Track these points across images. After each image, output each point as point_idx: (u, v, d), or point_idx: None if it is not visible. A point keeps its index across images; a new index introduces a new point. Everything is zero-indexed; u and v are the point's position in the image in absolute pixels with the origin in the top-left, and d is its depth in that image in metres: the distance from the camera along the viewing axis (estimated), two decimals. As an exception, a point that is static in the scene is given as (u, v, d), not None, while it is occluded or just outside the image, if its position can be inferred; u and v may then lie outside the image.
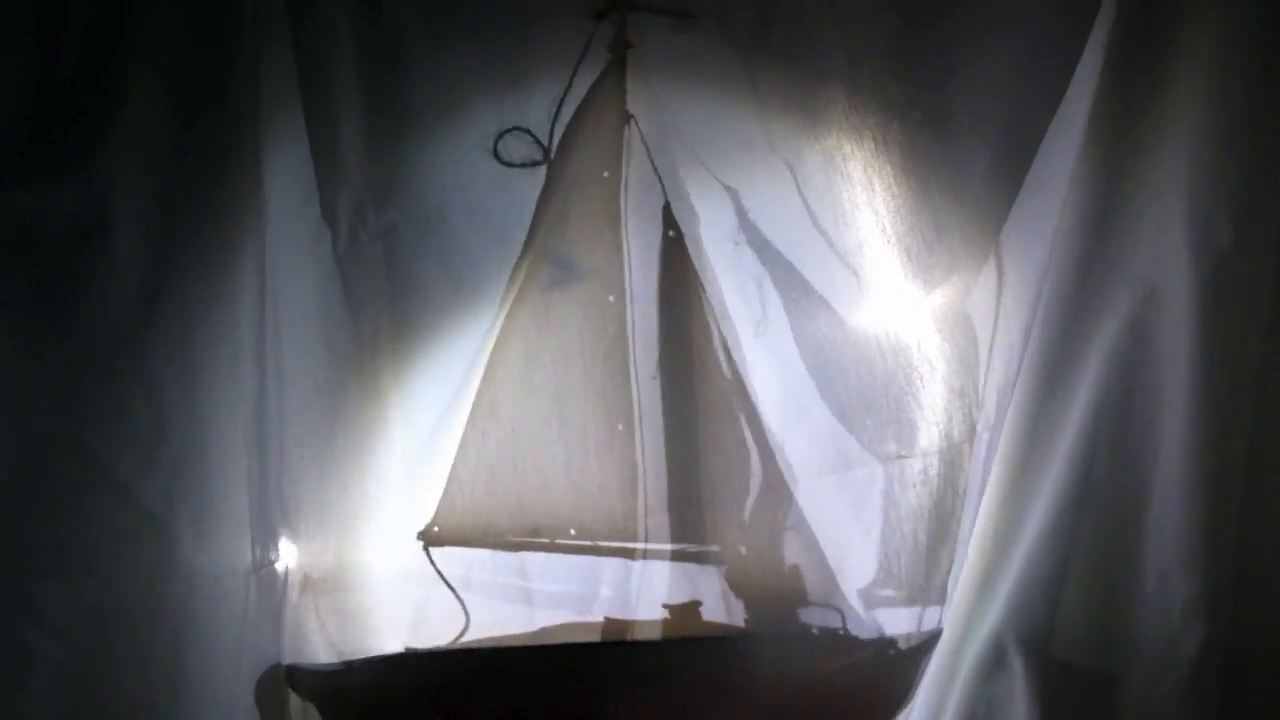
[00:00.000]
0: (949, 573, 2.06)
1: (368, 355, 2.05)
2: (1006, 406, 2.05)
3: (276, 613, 1.98)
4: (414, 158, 2.08)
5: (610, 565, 2.11)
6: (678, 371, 2.16)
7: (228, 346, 1.92)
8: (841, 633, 2.06)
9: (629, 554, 2.12)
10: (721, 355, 2.14)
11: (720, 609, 2.08)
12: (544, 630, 2.09)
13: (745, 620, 2.08)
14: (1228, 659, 1.89)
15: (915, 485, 2.06)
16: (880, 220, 2.07)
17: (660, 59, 2.15)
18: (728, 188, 2.15)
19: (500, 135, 2.10)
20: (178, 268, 1.90)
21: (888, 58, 2.05)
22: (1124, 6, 1.95)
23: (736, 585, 2.09)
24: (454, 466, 2.11)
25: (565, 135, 2.13)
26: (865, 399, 2.09)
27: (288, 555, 2.00)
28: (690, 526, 2.12)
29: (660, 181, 2.15)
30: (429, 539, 2.10)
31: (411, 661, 2.01)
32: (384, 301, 2.06)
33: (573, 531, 2.12)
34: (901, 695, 2.06)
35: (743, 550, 2.10)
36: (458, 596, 2.06)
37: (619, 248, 2.17)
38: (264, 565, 1.96)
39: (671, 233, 2.17)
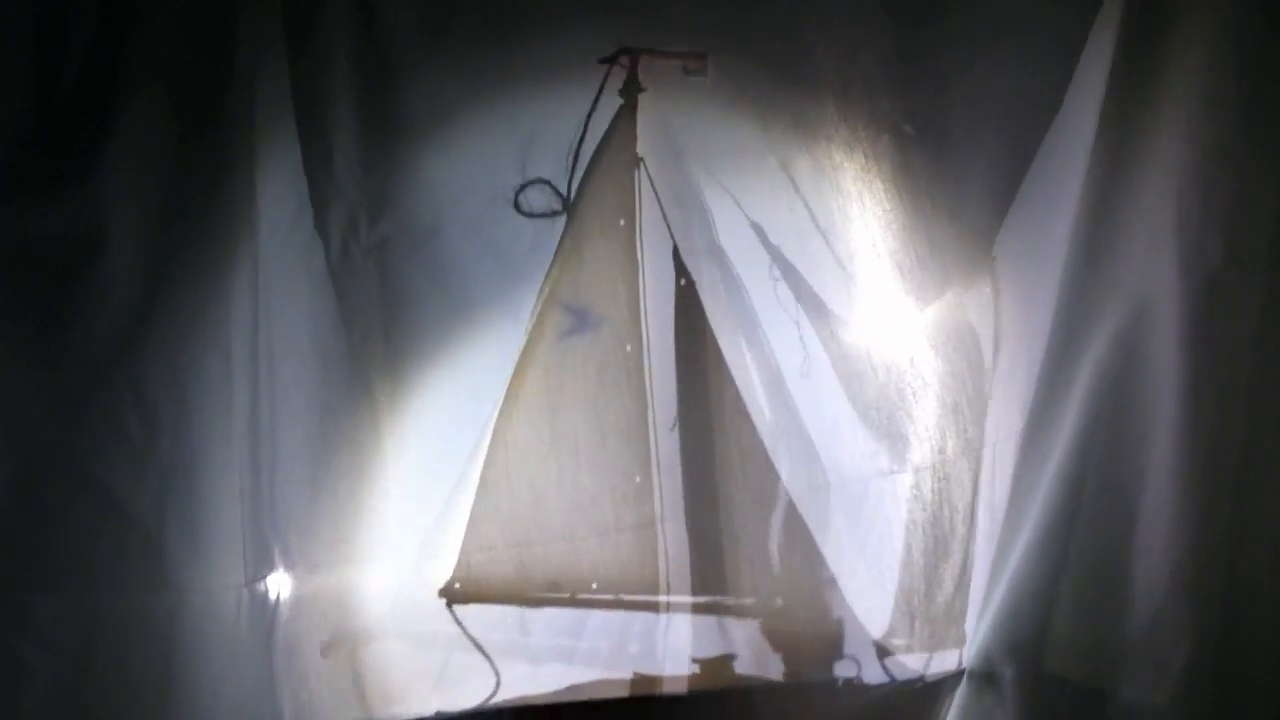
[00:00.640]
0: (963, 614, 2.09)
1: (360, 368, 2.03)
2: (1003, 422, 2.08)
3: (269, 627, 1.96)
4: (407, 172, 2.05)
5: (639, 620, 2.09)
6: (697, 422, 2.15)
7: (220, 359, 1.91)
8: (856, 680, 2.07)
9: (653, 607, 2.09)
10: (763, 398, 2.13)
11: (751, 662, 2.07)
12: (574, 688, 2.05)
13: (778, 673, 2.07)
14: (1217, 675, 1.87)
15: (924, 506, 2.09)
16: (884, 236, 2.10)
17: (672, 102, 2.15)
18: (753, 223, 2.15)
19: (522, 188, 2.09)
20: (171, 281, 1.89)
21: (883, 74, 2.09)
22: (1119, 23, 1.94)
23: (767, 638, 2.09)
24: (470, 520, 2.08)
25: (582, 183, 2.12)
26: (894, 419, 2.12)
27: (280, 574, 1.98)
28: (714, 579, 2.11)
29: (668, 227, 2.15)
30: (451, 596, 2.05)
31: None
32: (377, 314, 2.04)
33: (595, 585, 2.10)
34: None
35: (776, 602, 2.10)
36: (486, 655, 2.02)
37: (636, 296, 2.15)
38: (256, 579, 1.94)
39: (683, 281, 2.15)
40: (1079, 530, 1.97)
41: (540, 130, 2.09)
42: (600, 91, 2.12)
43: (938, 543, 2.09)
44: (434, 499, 2.07)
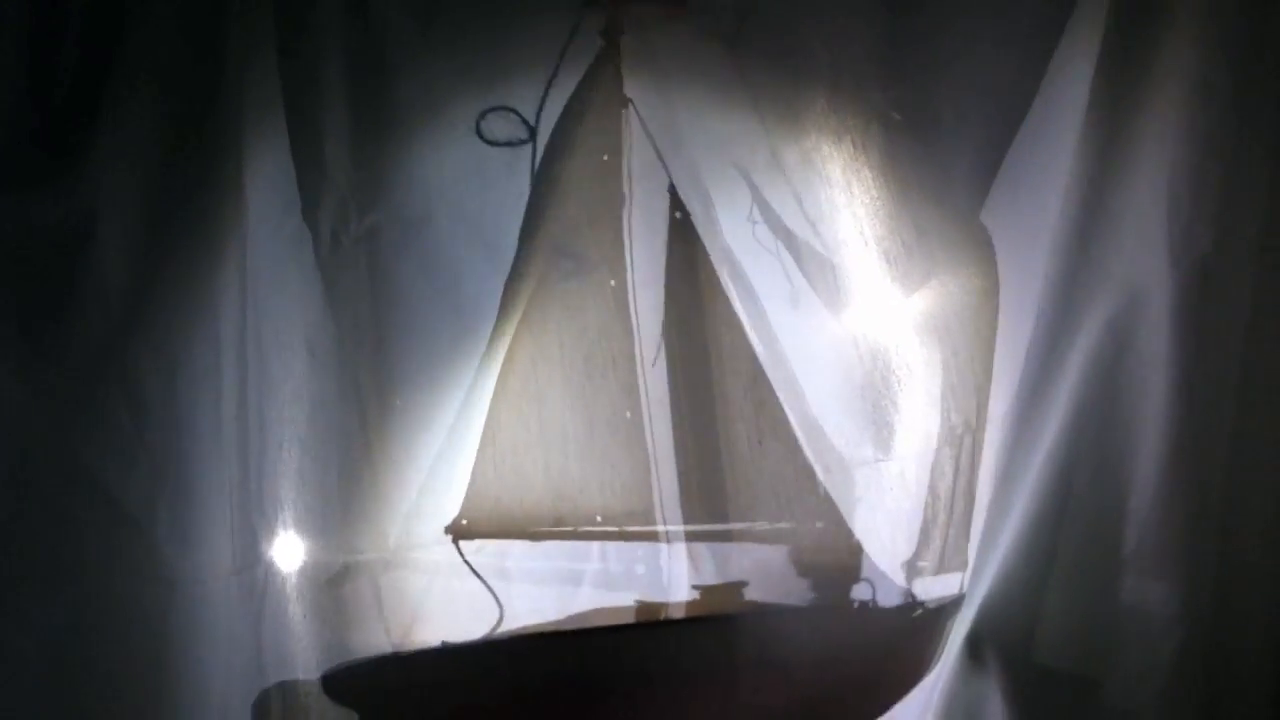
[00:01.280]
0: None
1: (349, 358, 2.04)
2: (987, 409, 2.07)
3: (257, 616, 1.97)
4: (396, 160, 2.07)
5: (642, 549, 2.12)
6: (690, 355, 2.17)
7: (209, 349, 1.92)
8: (872, 604, 2.06)
9: (653, 537, 2.12)
10: (752, 334, 2.14)
11: (763, 587, 2.09)
12: (578, 615, 2.09)
13: (793, 598, 2.09)
14: (1207, 662, 1.88)
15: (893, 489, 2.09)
16: (871, 223, 2.09)
17: (654, 45, 2.16)
18: (738, 166, 2.16)
19: (484, 114, 2.09)
20: (160, 272, 1.90)
21: (871, 61, 2.08)
22: (1106, 12, 1.94)
23: (783, 562, 2.10)
24: (477, 460, 2.11)
25: (561, 121, 2.13)
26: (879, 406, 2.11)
27: (270, 557, 1.99)
28: (715, 508, 2.12)
29: (664, 163, 2.16)
30: (458, 532, 2.09)
31: (449, 655, 2.01)
32: (366, 304, 2.05)
33: (599, 518, 2.12)
34: (928, 657, 2.06)
35: (773, 526, 2.11)
36: (490, 590, 2.07)
37: (620, 231, 2.17)
38: (246, 567, 1.95)
39: (679, 214, 2.17)
40: (1070, 521, 1.97)
41: (511, 64, 2.10)
42: (576, 27, 2.13)
43: (924, 531, 2.09)
44: (459, 476, 2.09)
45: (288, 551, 2.00)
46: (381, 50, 2.05)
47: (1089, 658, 1.97)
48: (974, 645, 2.06)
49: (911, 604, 2.05)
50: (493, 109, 2.10)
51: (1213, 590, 1.88)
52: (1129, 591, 1.92)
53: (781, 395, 2.12)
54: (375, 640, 2.04)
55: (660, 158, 2.16)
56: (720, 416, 2.15)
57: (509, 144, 2.11)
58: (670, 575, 2.11)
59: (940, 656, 2.06)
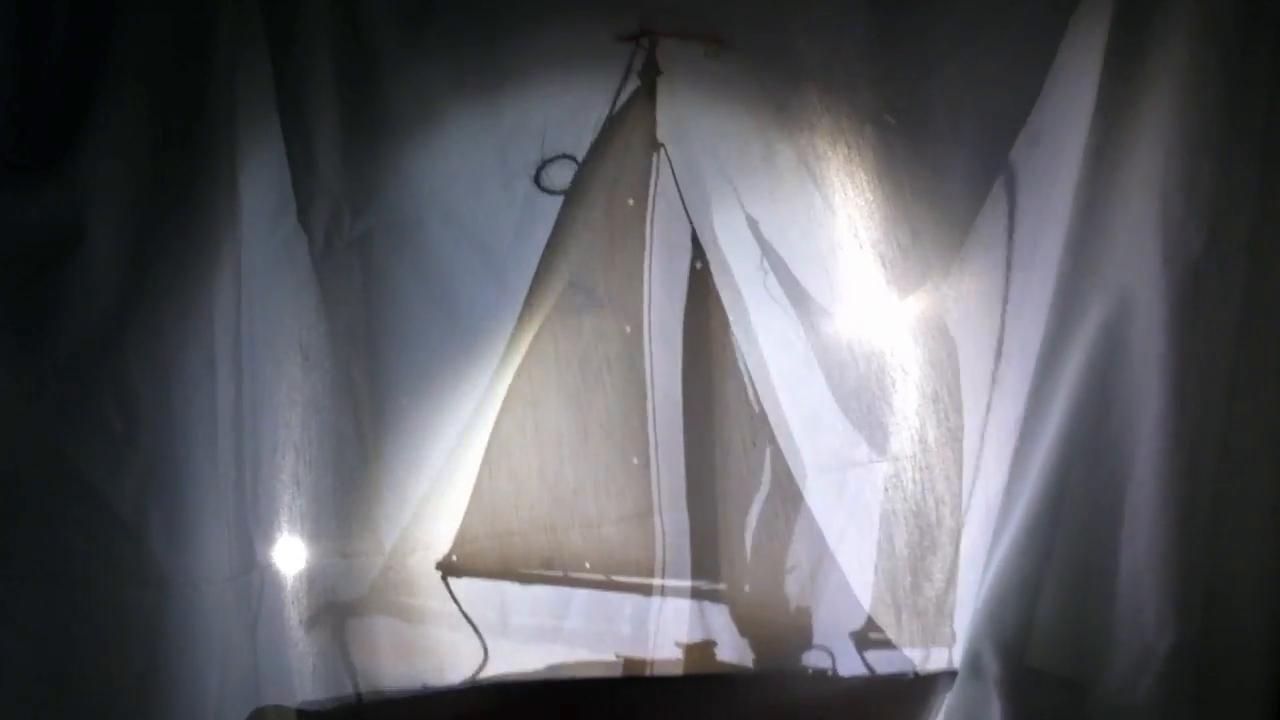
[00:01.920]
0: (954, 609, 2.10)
1: (343, 361, 2.02)
2: (984, 413, 2.08)
3: (253, 622, 1.96)
4: (390, 165, 2.04)
5: (630, 601, 2.11)
6: (700, 405, 2.15)
7: (202, 352, 1.90)
8: (830, 672, 2.07)
9: (645, 590, 2.11)
10: (749, 388, 2.13)
11: (730, 649, 2.09)
12: (558, 666, 2.07)
13: (754, 660, 2.09)
14: (1199, 664, 1.89)
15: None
16: (867, 226, 2.09)
17: (690, 86, 2.13)
18: (749, 217, 2.15)
19: (544, 164, 2.09)
20: (153, 274, 1.87)
21: (865, 63, 2.07)
22: (1101, 14, 1.95)
23: (745, 624, 2.10)
24: (472, 496, 2.09)
25: (589, 159, 2.11)
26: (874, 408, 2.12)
27: (265, 563, 1.99)
28: (709, 564, 2.12)
29: (687, 212, 2.14)
30: (447, 568, 2.07)
31: (427, 701, 1.98)
32: (359, 308, 2.04)
33: (587, 565, 2.11)
34: None
35: (747, 589, 2.11)
36: (478, 632, 2.05)
37: (640, 278, 2.15)
38: (241, 573, 1.94)
39: (699, 264, 2.15)
40: (1064, 523, 1.97)
41: (508, 70, 2.07)
42: (629, 69, 2.11)
43: (923, 534, 2.09)
44: (418, 492, 2.07)
45: (283, 557, 1.99)
46: (373, 54, 2.02)
47: (1084, 663, 1.97)
48: (971, 648, 2.06)
49: (894, 675, 2.06)
50: (553, 159, 2.09)
51: (1205, 591, 1.89)
52: (1122, 594, 1.93)
53: (767, 455, 2.12)
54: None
55: (684, 205, 2.14)
56: (720, 472, 2.14)
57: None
58: (657, 630, 2.10)
59: None
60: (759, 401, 2.13)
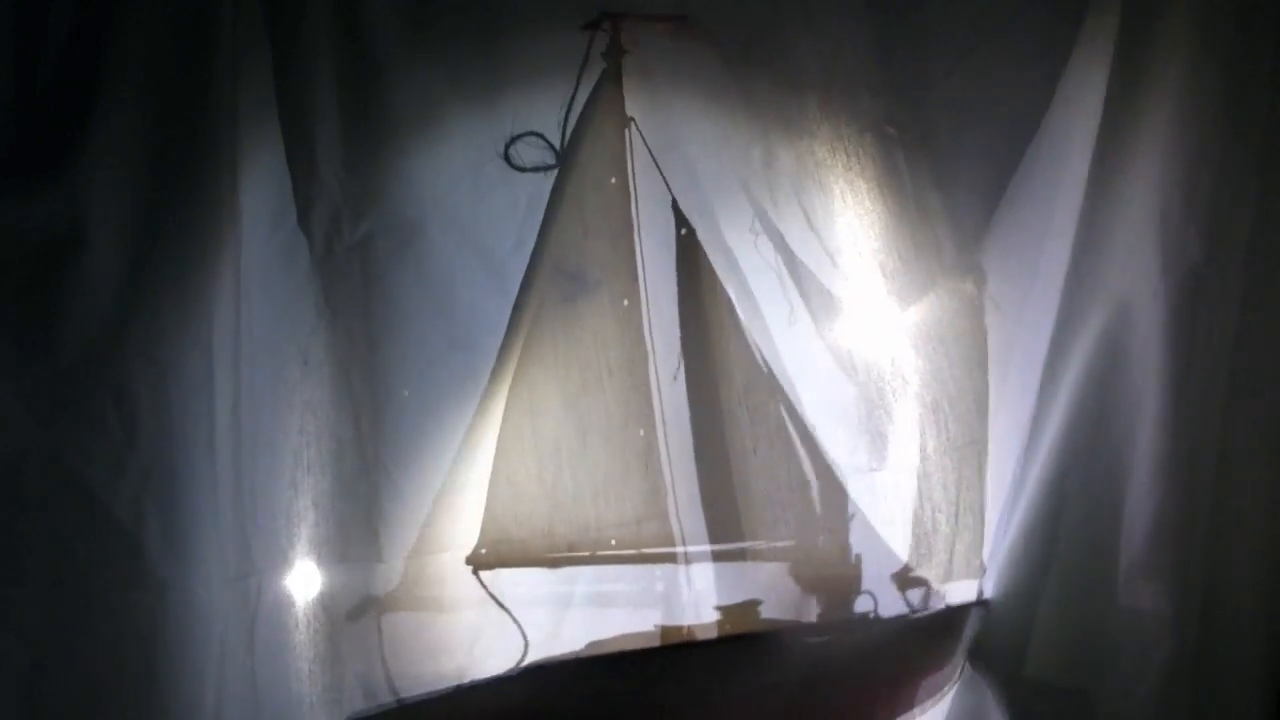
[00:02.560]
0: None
1: (342, 365, 2.01)
2: (986, 421, 2.11)
3: (250, 626, 1.94)
4: (390, 169, 2.05)
5: (662, 571, 2.10)
6: (701, 370, 2.16)
7: (201, 356, 1.89)
8: (875, 615, 2.08)
9: (671, 559, 2.09)
10: (755, 349, 2.14)
11: (776, 606, 2.07)
12: (597, 643, 2.05)
13: (805, 614, 2.07)
14: (1196, 669, 1.91)
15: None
16: (868, 236, 2.13)
17: (656, 63, 2.18)
18: (740, 179, 2.17)
19: (512, 140, 2.10)
20: (153, 277, 1.87)
21: (866, 75, 2.12)
22: (1103, 28, 2.00)
23: (791, 579, 2.09)
24: (490, 488, 2.08)
25: (568, 146, 2.13)
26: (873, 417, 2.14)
27: (264, 568, 1.96)
28: (729, 525, 2.11)
29: (665, 180, 2.16)
30: (477, 562, 2.05)
31: (467, 694, 1.94)
32: (359, 311, 2.03)
33: (613, 542, 2.10)
34: (948, 659, 2.08)
35: (791, 543, 2.10)
36: (515, 620, 2.03)
37: (632, 252, 2.17)
38: (239, 577, 1.93)
39: (684, 230, 2.17)
40: (1063, 529, 2.00)
41: (506, 75, 2.10)
42: (588, 53, 2.15)
43: (918, 541, 2.11)
44: (417, 496, 2.06)
45: (281, 562, 1.97)
46: (374, 59, 2.04)
47: (1082, 669, 1.99)
48: (972, 655, 2.09)
49: (924, 611, 2.07)
50: (520, 135, 2.11)
51: (1202, 596, 1.91)
52: (1121, 600, 1.95)
53: (782, 408, 2.13)
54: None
55: (662, 175, 2.17)
56: (729, 433, 2.14)
57: (537, 170, 2.12)
58: (690, 597, 2.09)
59: (961, 657, 2.08)
60: (765, 360, 2.15)
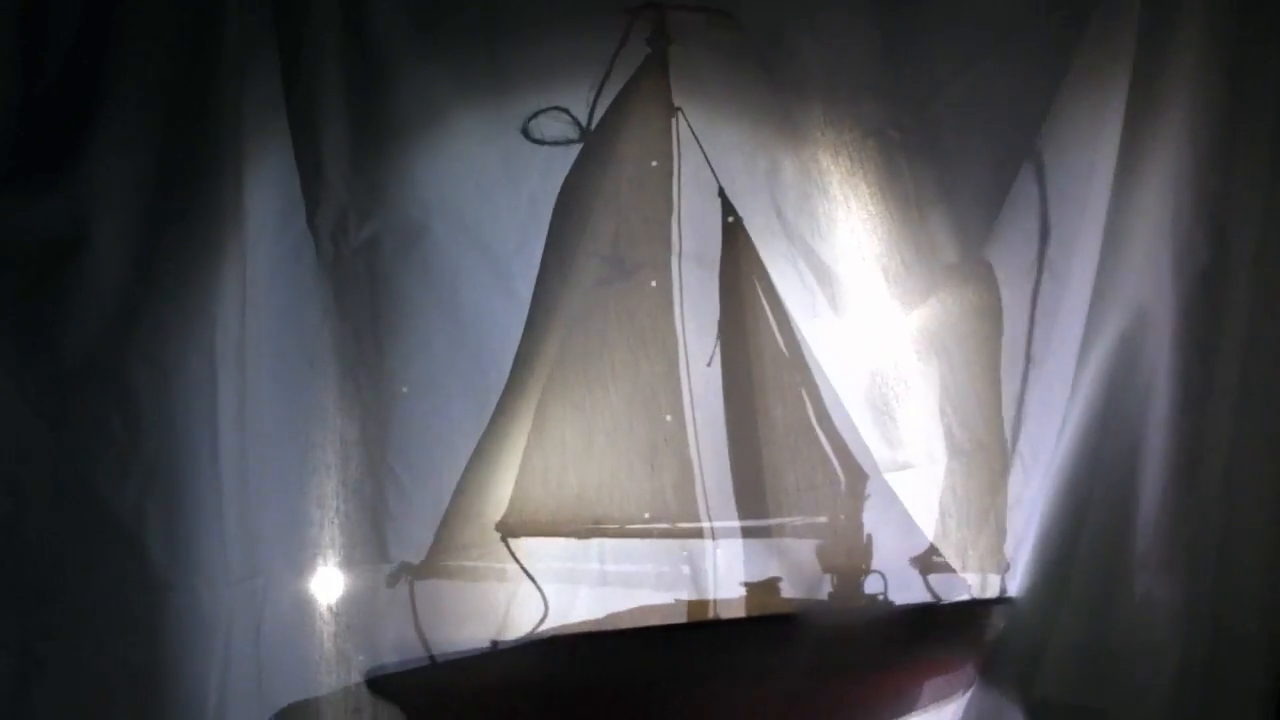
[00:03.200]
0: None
1: (348, 367, 2.02)
2: (999, 427, 2.11)
3: (256, 627, 1.96)
4: (397, 170, 2.07)
5: (687, 549, 2.13)
6: (736, 356, 2.18)
7: (205, 358, 1.90)
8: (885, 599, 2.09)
9: (697, 534, 2.13)
10: (779, 335, 2.17)
11: (796, 584, 2.09)
12: (618, 615, 2.09)
13: (815, 591, 2.09)
14: (1206, 679, 1.91)
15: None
16: (871, 240, 2.15)
17: (701, 54, 2.20)
18: (766, 173, 2.20)
19: (534, 115, 2.12)
20: (157, 278, 1.89)
21: (872, 80, 2.13)
22: (1109, 31, 2.00)
23: (814, 560, 2.11)
24: (524, 460, 2.13)
25: (602, 127, 2.16)
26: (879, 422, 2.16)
27: (269, 568, 1.98)
28: (755, 505, 2.13)
29: (712, 169, 2.19)
30: (506, 530, 2.11)
31: (495, 658, 2.02)
32: (365, 313, 2.04)
33: (647, 515, 2.13)
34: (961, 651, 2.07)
35: (816, 523, 2.11)
36: (539, 587, 2.07)
37: (668, 237, 2.20)
38: (245, 578, 1.94)
39: (730, 218, 2.20)
40: (1082, 547, 2.00)
41: (512, 74, 2.11)
42: (626, 35, 2.17)
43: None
44: (423, 497, 2.08)
45: (289, 563, 1.99)
46: (381, 59, 2.06)
47: (1094, 686, 1.98)
48: (986, 661, 2.09)
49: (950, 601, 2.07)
50: (545, 109, 2.13)
51: (1212, 606, 1.92)
52: (1136, 614, 1.95)
53: (807, 397, 2.15)
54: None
55: (709, 164, 2.19)
56: (761, 415, 2.16)
57: (558, 143, 2.14)
58: (717, 573, 2.11)
59: (976, 659, 2.08)
60: (795, 348, 2.17)
